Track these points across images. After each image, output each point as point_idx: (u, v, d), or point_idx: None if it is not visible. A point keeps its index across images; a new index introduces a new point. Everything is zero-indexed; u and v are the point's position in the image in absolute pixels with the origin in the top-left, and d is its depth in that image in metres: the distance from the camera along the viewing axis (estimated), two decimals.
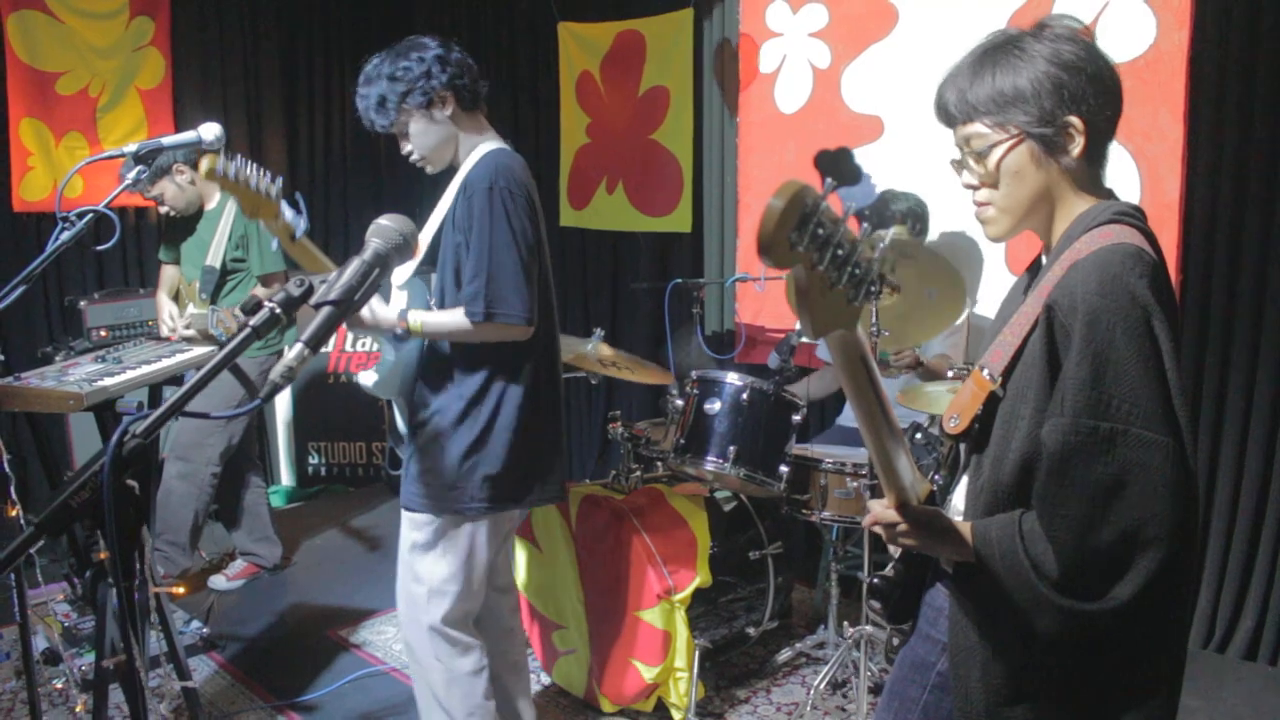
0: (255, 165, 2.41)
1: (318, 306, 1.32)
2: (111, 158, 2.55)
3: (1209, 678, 3.52)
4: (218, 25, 5.79)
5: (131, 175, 2.51)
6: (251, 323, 1.28)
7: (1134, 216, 1.50)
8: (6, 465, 2.44)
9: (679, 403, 3.52)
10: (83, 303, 4.89)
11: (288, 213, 2.50)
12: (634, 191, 5.39)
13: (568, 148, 5.69)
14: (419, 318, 2.55)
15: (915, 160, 3.97)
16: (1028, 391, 1.43)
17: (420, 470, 2.65)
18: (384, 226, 1.50)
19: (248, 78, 5.94)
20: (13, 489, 2.45)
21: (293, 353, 1.29)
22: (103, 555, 1.20)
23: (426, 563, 2.68)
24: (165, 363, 2.95)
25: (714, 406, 3.39)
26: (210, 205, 4.30)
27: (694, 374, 3.51)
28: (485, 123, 2.76)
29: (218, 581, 4.50)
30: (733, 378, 3.41)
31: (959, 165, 1.58)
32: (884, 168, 4.16)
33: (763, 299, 4.57)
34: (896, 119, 4.15)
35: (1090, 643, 1.42)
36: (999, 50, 1.50)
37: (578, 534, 3.45)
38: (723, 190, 4.89)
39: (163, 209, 4.28)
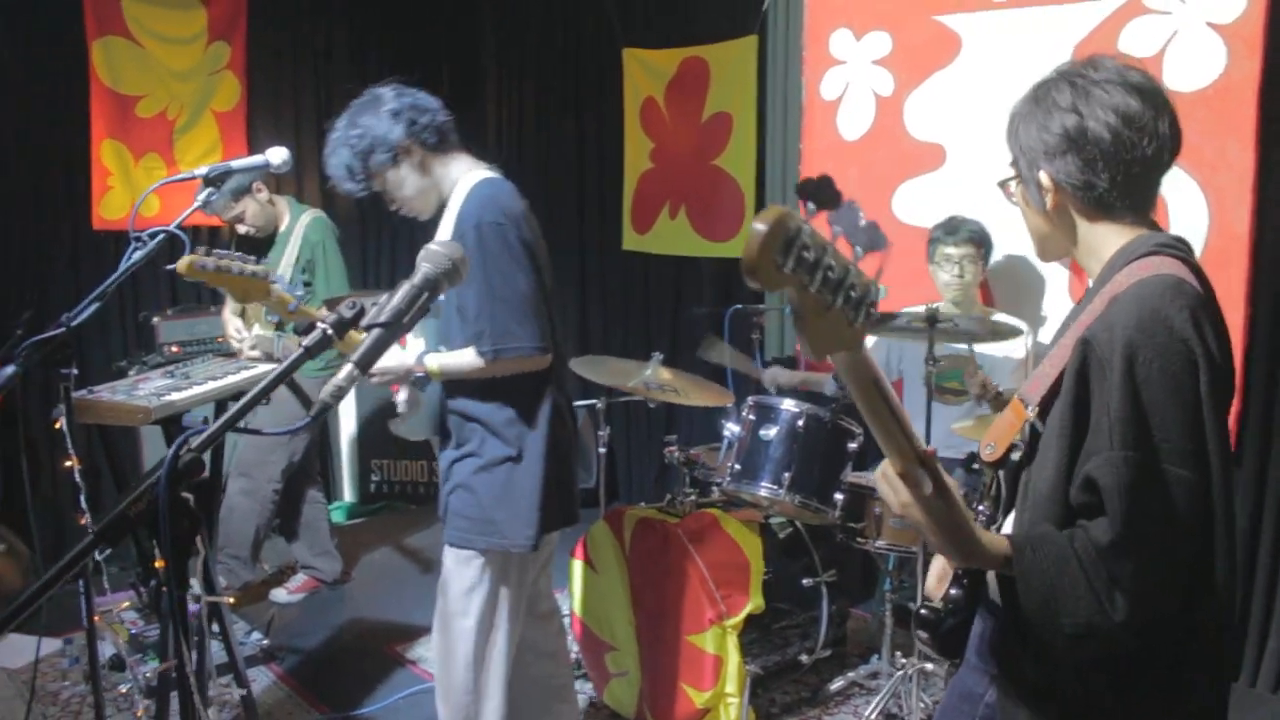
0: (234, 253, 2.51)
1: (368, 329, 1.36)
2: (184, 180, 2.63)
3: (1236, 712, 3.44)
4: (291, 50, 5.94)
5: (201, 197, 2.58)
6: (305, 343, 1.32)
7: (1175, 247, 1.50)
8: (78, 475, 2.51)
9: (734, 427, 3.53)
10: (156, 319, 5.03)
11: (277, 287, 2.58)
12: (696, 217, 5.42)
13: (631, 172, 5.74)
14: (436, 361, 2.58)
15: (977, 188, 3.94)
16: (1057, 423, 1.44)
17: (460, 505, 2.65)
18: (434, 251, 1.54)
19: (320, 101, 6.07)
20: (82, 498, 2.53)
21: (343, 373, 1.33)
22: (158, 563, 1.23)
23: (475, 597, 2.66)
24: (231, 379, 3.03)
25: (769, 432, 3.40)
26: (282, 226, 4.41)
27: (750, 400, 3.51)
28: (462, 153, 2.74)
29: (279, 595, 4.58)
30: (788, 404, 3.41)
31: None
32: (945, 196, 4.13)
33: None
34: (958, 147, 4.13)
35: (1126, 677, 1.42)
36: (1033, 95, 1.59)
37: (631, 556, 3.46)
38: None
39: (241, 229, 4.39)
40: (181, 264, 2.38)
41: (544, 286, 2.64)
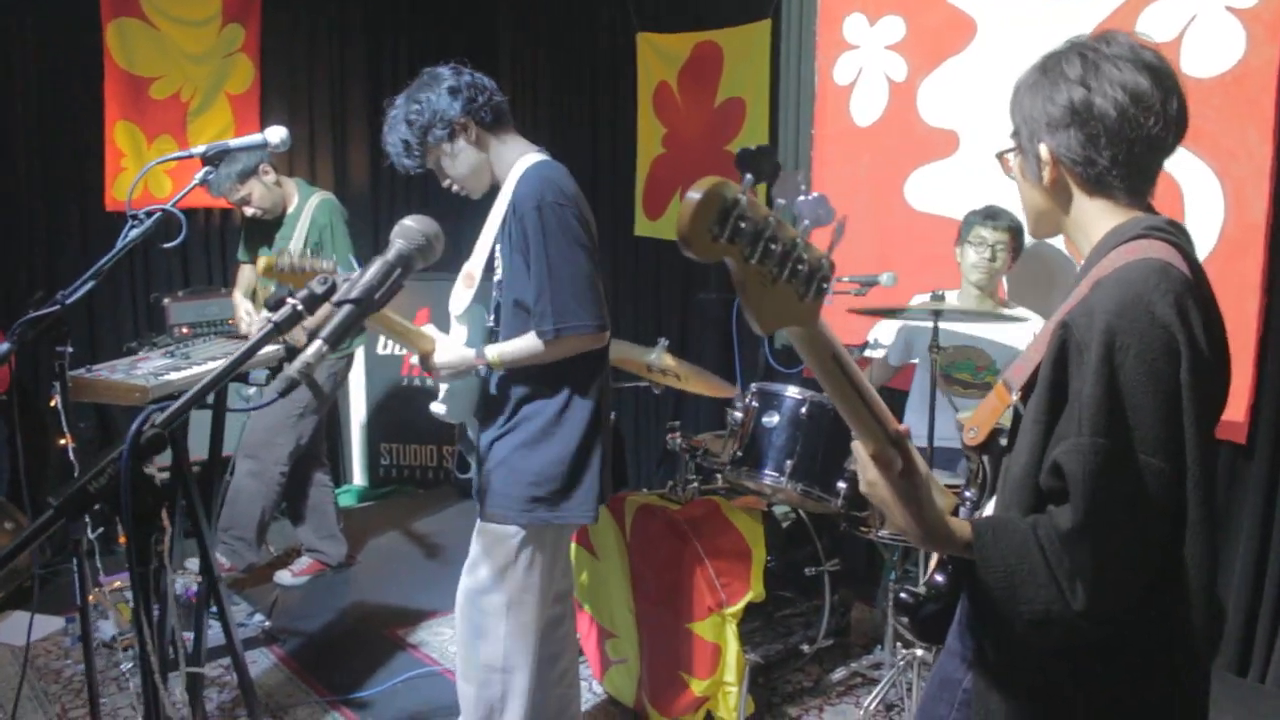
0: (307, 251, 2.53)
1: (338, 304, 1.34)
2: (180, 159, 2.62)
3: (1244, 707, 3.38)
4: (306, 33, 5.93)
5: (199, 176, 2.57)
6: (274, 318, 1.30)
7: (1166, 230, 1.47)
8: (71, 453, 2.51)
9: (738, 415, 3.50)
10: (166, 300, 5.04)
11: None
12: None
13: (644, 157, 5.71)
14: (495, 351, 2.60)
15: (990, 175, 3.88)
16: (1034, 407, 1.42)
17: (502, 483, 2.67)
18: (408, 227, 1.51)
19: (333, 84, 6.07)
20: (76, 475, 2.52)
21: (311, 349, 1.30)
22: (121, 539, 1.22)
23: (511, 574, 2.69)
24: (231, 359, 3.01)
25: (772, 420, 3.36)
26: (290, 208, 4.41)
27: (753, 386, 3.48)
28: (516, 135, 2.78)
29: (283, 577, 4.58)
30: (792, 391, 3.37)
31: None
32: (958, 182, 4.08)
33: (830, 312, 4.50)
34: (972, 133, 4.07)
35: (1085, 665, 1.41)
36: (1042, 66, 1.54)
37: (632, 543, 3.44)
38: None
39: (248, 210, 4.39)
40: (260, 264, 2.40)
41: (598, 266, 2.68)
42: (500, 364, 2.61)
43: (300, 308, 1.32)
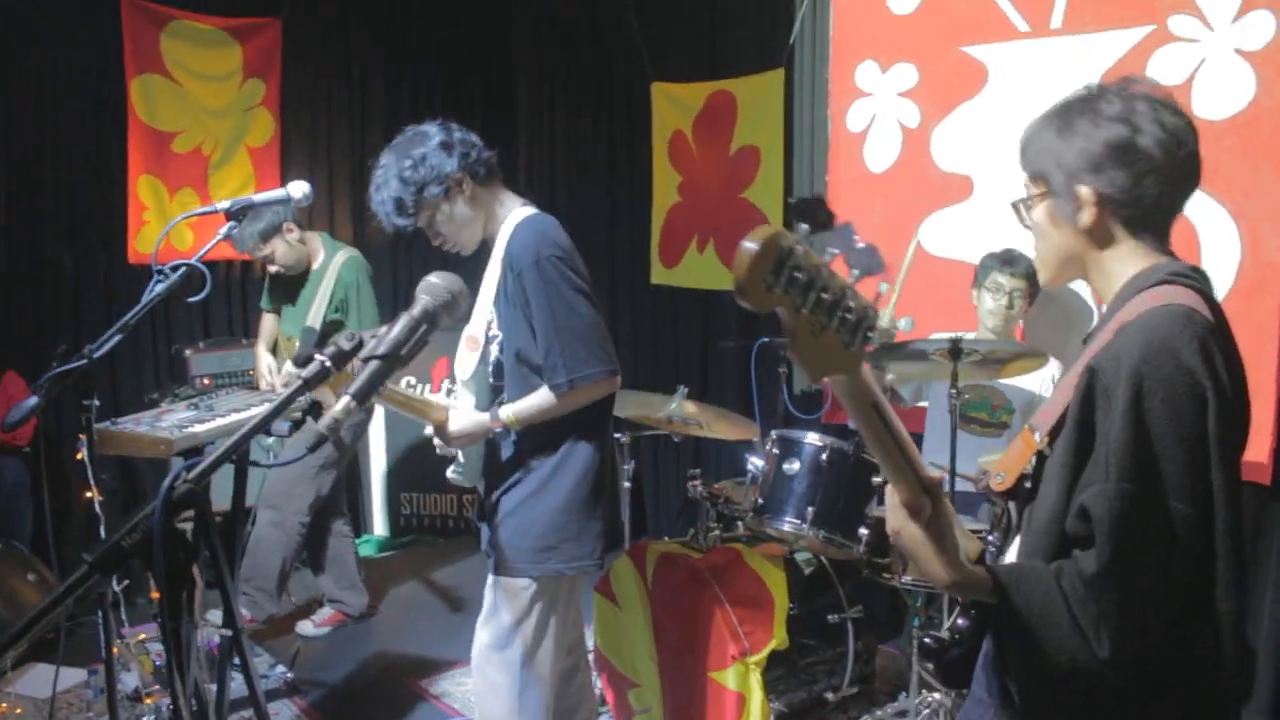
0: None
1: (366, 361, 1.36)
2: (206, 214, 2.66)
3: None
4: (325, 87, 6.02)
5: (224, 231, 2.61)
6: (303, 375, 1.32)
7: (1190, 277, 1.48)
8: (98, 506, 2.53)
9: (759, 462, 3.50)
10: (188, 351, 5.09)
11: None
12: (725, 250, 5.41)
13: (660, 206, 5.74)
14: (510, 411, 2.59)
15: (1005, 220, 3.90)
16: (1061, 452, 1.43)
17: (512, 536, 2.66)
18: (433, 284, 1.53)
19: (352, 137, 6.14)
20: (103, 529, 2.55)
21: (339, 405, 1.32)
22: (154, 594, 1.23)
23: (526, 626, 2.67)
24: (254, 411, 3.04)
25: (793, 466, 3.36)
26: (315, 264, 4.45)
27: (774, 434, 3.48)
28: (505, 189, 2.77)
29: (305, 628, 4.58)
30: (812, 438, 3.38)
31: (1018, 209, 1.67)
32: (973, 227, 4.10)
33: None
34: (986, 178, 4.10)
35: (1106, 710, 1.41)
36: (1064, 113, 1.55)
37: (654, 592, 3.43)
38: None
39: (272, 268, 4.43)
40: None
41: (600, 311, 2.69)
42: (517, 423, 2.59)
43: (329, 364, 1.34)
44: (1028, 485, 1.53)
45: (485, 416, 2.61)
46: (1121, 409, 1.33)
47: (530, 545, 2.63)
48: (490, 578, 2.73)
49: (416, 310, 1.46)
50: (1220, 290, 3.50)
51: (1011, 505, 1.59)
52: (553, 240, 2.61)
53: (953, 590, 1.40)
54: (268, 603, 4.35)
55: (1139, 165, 1.47)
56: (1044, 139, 1.55)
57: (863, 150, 4.53)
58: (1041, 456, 1.48)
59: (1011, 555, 1.57)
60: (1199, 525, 1.32)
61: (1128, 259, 1.53)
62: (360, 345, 1.37)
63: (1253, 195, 3.45)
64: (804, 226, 1.11)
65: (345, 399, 1.32)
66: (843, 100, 4.59)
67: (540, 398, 2.57)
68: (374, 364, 1.35)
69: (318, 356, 1.35)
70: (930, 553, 1.35)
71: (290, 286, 4.48)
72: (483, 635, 2.75)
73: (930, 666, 1.57)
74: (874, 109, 4.48)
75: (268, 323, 4.69)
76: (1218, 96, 3.49)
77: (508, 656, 2.68)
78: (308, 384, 1.33)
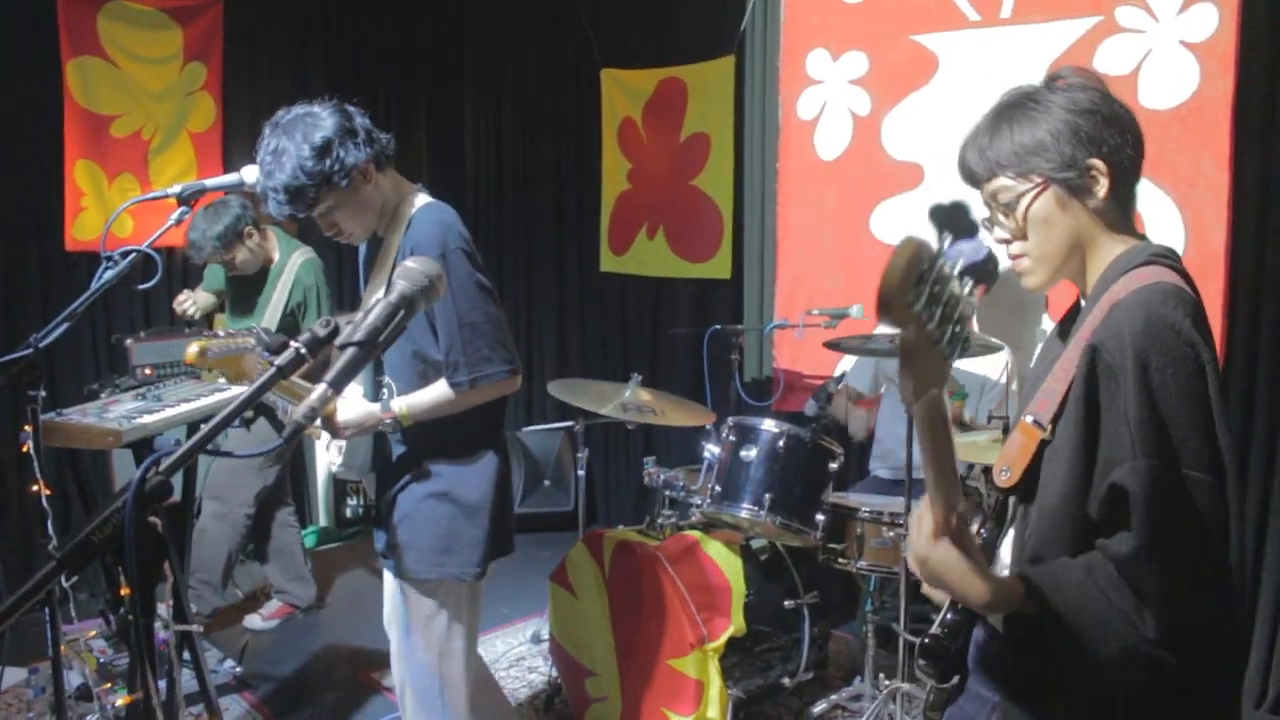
0: (232, 330, 2.34)
1: (342, 348, 1.33)
2: (156, 199, 2.59)
3: None
4: (267, 70, 5.89)
5: (175, 216, 2.54)
6: (277, 362, 1.29)
7: (1169, 258, 1.50)
8: (44, 501, 2.46)
9: (714, 449, 3.50)
10: (128, 341, 4.96)
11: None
12: (674, 237, 5.41)
13: (609, 193, 5.72)
14: (403, 404, 2.46)
15: None
16: (1068, 433, 1.42)
17: (411, 537, 2.54)
18: (410, 269, 1.50)
19: None
20: (50, 524, 2.47)
21: (315, 394, 1.29)
22: (123, 590, 1.19)
23: (434, 627, 2.59)
24: (204, 401, 2.98)
25: (750, 453, 3.37)
26: (273, 262, 4.38)
27: (730, 420, 3.49)
28: (397, 175, 2.61)
29: (253, 621, 4.51)
30: (769, 424, 3.39)
31: (989, 222, 1.61)
32: (924, 215, 4.14)
33: (801, 345, 4.55)
34: (936, 166, 4.13)
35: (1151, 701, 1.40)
36: (1015, 106, 1.53)
37: (610, 580, 3.42)
38: (763, 237, 4.89)
39: (232, 271, 4.36)
40: (191, 350, 2.20)
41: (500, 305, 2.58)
42: (409, 418, 2.46)
43: (304, 351, 1.31)
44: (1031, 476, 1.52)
45: (376, 407, 2.47)
46: (1133, 386, 1.34)
47: (430, 547, 2.52)
48: (391, 580, 2.64)
49: (394, 296, 1.43)
50: None
51: (1012, 499, 1.58)
52: (458, 232, 2.47)
53: (991, 607, 1.38)
54: (213, 596, 4.28)
55: (1125, 132, 1.49)
56: (1016, 134, 1.51)
57: (813, 138, 4.55)
58: (1043, 445, 1.47)
59: (1006, 546, 1.57)
60: (1219, 491, 1.34)
61: (1117, 240, 1.53)
62: (336, 332, 1.33)
63: (1196, 184, 3.52)
64: (947, 236, 1.08)
65: (322, 387, 1.29)
66: (793, 88, 4.60)
67: (436, 392, 2.47)
68: (351, 351, 1.32)
69: (293, 344, 1.31)
70: (965, 568, 1.34)
71: (244, 285, 4.40)
72: (395, 634, 2.66)
73: (926, 664, 1.54)
74: (825, 97, 4.50)
75: (206, 296, 4.65)
76: (1163, 87, 3.55)
77: (423, 658, 2.60)
78: (282, 371, 1.30)
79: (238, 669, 3.92)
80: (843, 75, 4.42)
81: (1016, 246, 1.57)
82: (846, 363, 4.15)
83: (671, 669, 3.22)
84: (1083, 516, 1.40)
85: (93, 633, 3.57)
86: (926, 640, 1.54)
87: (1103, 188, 1.49)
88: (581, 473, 4.12)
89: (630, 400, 3.72)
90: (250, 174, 2.53)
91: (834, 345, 3.56)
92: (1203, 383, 1.36)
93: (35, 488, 2.43)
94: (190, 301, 4.53)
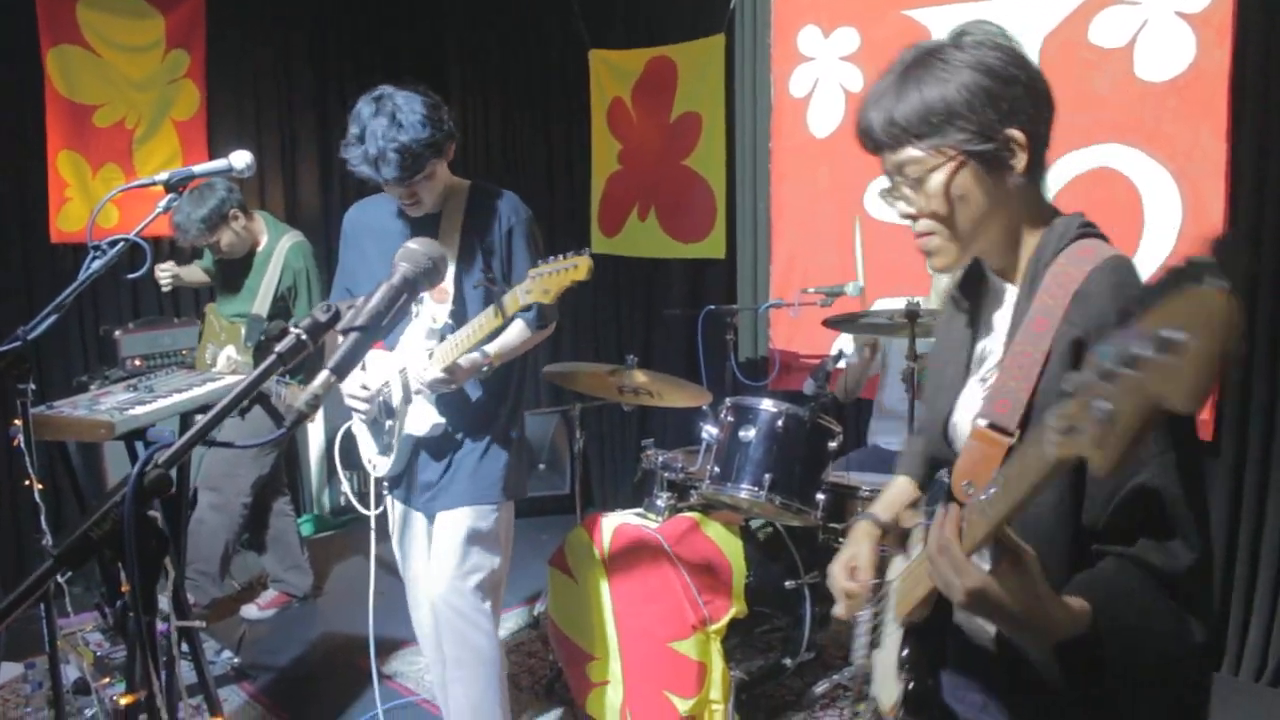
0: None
1: (345, 333, 1.30)
2: (143, 186, 2.54)
3: (1261, 711, 3.42)
4: (251, 58, 5.83)
5: (163, 204, 2.49)
6: (277, 349, 1.26)
7: (1093, 226, 1.40)
8: (37, 495, 2.42)
9: (713, 430, 3.48)
10: (117, 332, 4.92)
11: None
12: (666, 218, 5.37)
13: (599, 174, 5.68)
14: (496, 346, 2.77)
15: None
16: None
17: (477, 466, 2.86)
18: (412, 251, 1.47)
19: (281, 108, 5.98)
20: (43, 519, 2.43)
21: (319, 380, 1.26)
22: (124, 588, 1.16)
23: (494, 551, 2.92)
24: (196, 391, 2.95)
25: (748, 433, 3.35)
26: (260, 247, 4.34)
27: (729, 401, 3.46)
28: None
29: (250, 611, 4.48)
30: (767, 404, 3.36)
31: (891, 194, 1.44)
32: None
33: (796, 325, 4.52)
34: None
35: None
36: (920, 65, 1.37)
37: (610, 563, 3.40)
38: (755, 216, 4.85)
39: (216, 254, 4.34)
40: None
41: None
42: (500, 357, 2.78)
43: (305, 338, 1.27)
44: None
45: (477, 355, 2.72)
46: None
47: (499, 474, 2.88)
48: (447, 514, 2.89)
49: (396, 279, 1.40)
50: (1163, 250, 3.57)
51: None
52: (527, 208, 2.89)
53: (1051, 638, 1.18)
54: (211, 586, 4.25)
55: (1040, 99, 1.36)
56: (925, 98, 1.34)
57: (806, 116, 4.52)
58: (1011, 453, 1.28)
59: (896, 566, 1.48)
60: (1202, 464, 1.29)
61: (1035, 213, 1.41)
62: (337, 317, 1.30)
63: (1193, 156, 3.50)
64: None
65: (325, 373, 1.26)
66: (785, 65, 4.57)
67: (515, 332, 2.82)
68: (354, 336, 1.29)
69: (293, 330, 1.28)
70: (1042, 593, 1.14)
71: (232, 269, 4.35)
72: (449, 573, 2.87)
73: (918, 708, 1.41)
74: (816, 74, 4.46)
75: (196, 271, 4.63)
76: (1159, 58, 3.52)
77: (485, 584, 2.89)
78: (282, 358, 1.26)
79: (235, 660, 3.90)
80: (834, 52, 4.39)
81: (924, 224, 1.41)
82: (843, 340, 4.13)
83: (673, 652, 3.20)
84: (1078, 524, 1.28)
85: (89, 626, 3.55)
86: (913, 686, 1.40)
87: (1021, 161, 1.35)
88: (578, 455, 4.09)
89: (627, 383, 3.69)
90: (239, 160, 2.49)
91: (833, 323, 3.54)
92: None
93: (27, 482, 2.39)
94: (170, 274, 4.48)
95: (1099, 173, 3.67)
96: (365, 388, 2.85)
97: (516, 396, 3.00)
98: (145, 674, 1.12)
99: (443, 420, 2.80)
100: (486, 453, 2.90)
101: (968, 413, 1.45)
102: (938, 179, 1.35)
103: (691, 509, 3.61)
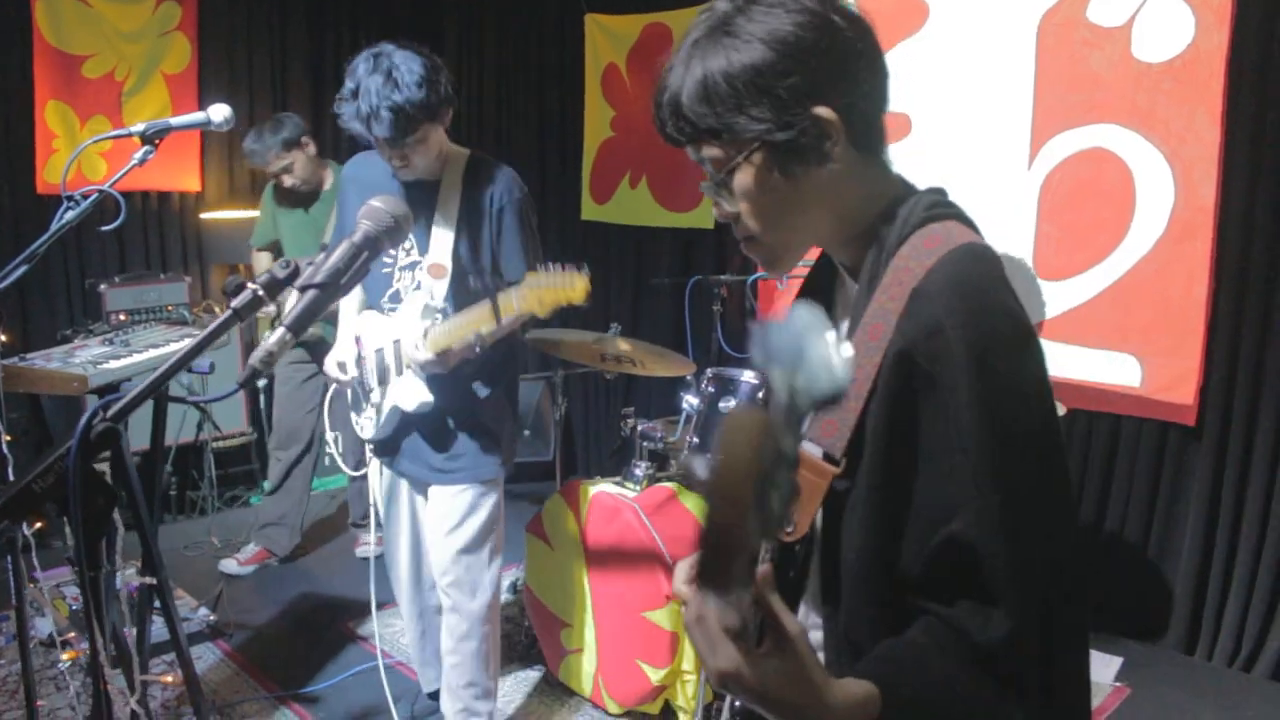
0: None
1: (303, 290, 1.27)
2: (119, 137, 2.50)
3: (1233, 695, 3.43)
4: (244, 11, 5.76)
5: (139, 155, 2.46)
6: (234, 304, 1.23)
7: (950, 207, 1.18)
8: (5, 448, 2.40)
9: (693, 400, 3.46)
10: (103, 286, 4.89)
11: None
12: (658, 187, 5.33)
13: (591, 141, 5.64)
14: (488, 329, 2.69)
15: (942, 158, 3.88)
16: (870, 470, 1.07)
17: (482, 444, 2.86)
18: (375, 208, 1.44)
19: (273, 63, 5.91)
20: (10, 470, 2.42)
21: (274, 337, 1.24)
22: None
23: (495, 523, 2.93)
24: (173, 346, 2.92)
25: (729, 404, 3.34)
26: (326, 186, 4.43)
27: (709, 372, 3.45)
28: None
29: (229, 565, 4.48)
30: (748, 375, 3.35)
31: (712, 193, 1.21)
32: (911, 165, 4.06)
33: (784, 297, 4.50)
34: (924, 116, 4.05)
35: None
36: (707, 40, 1.12)
37: (587, 532, 3.39)
38: None
39: (287, 181, 4.38)
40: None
41: None
42: (492, 338, 2.68)
43: (261, 293, 1.25)
44: (819, 528, 1.14)
45: (471, 336, 2.66)
46: (967, 398, 1.01)
47: (493, 451, 2.87)
48: (447, 489, 2.87)
49: (357, 236, 1.37)
50: (1154, 233, 3.54)
51: (798, 548, 1.18)
52: (523, 186, 2.81)
53: None
54: (290, 537, 4.57)
55: (855, 64, 1.12)
56: (709, 79, 1.11)
57: None
58: (835, 484, 1.09)
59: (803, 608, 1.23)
60: (1074, 510, 1.11)
61: (874, 196, 1.18)
62: (296, 273, 1.28)
63: (1188, 139, 3.47)
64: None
65: (280, 331, 1.24)
66: None
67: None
68: (311, 293, 1.26)
69: (249, 285, 1.26)
70: (812, 678, 0.91)
71: (301, 203, 4.45)
72: (453, 543, 2.87)
73: None
74: None
75: (262, 262, 4.66)
76: (1157, 39, 3.48)
77: (482, 554, 2.90)
78: (238, 314, 1.24)
79: (212, 617, 3.89)
80: None
81: (741, 228, 1.20)
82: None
83: (646, 621, 3.20)
84: (886, 584, 1.07)
85: (69, 578, 3.54)
86: None
87: (836, 144, 1.12)
88: (559, 422, 4.08)
89: (609, 350, 3.67)
90: (217, 113, 2.48)
91: None
92: (1042, 368, 1.07)
93: None
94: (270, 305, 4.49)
95: (1092, 153, 3.64)
96: (342, 365, 2.88)
97: (515, 377, 3.02)
98: (89, 629, 1.11)
99: (431, 398, 2.75)
100: (488, 433, 2.88)
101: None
102: (741, 179, 1.14)
103: (670, 479, 3.60)
